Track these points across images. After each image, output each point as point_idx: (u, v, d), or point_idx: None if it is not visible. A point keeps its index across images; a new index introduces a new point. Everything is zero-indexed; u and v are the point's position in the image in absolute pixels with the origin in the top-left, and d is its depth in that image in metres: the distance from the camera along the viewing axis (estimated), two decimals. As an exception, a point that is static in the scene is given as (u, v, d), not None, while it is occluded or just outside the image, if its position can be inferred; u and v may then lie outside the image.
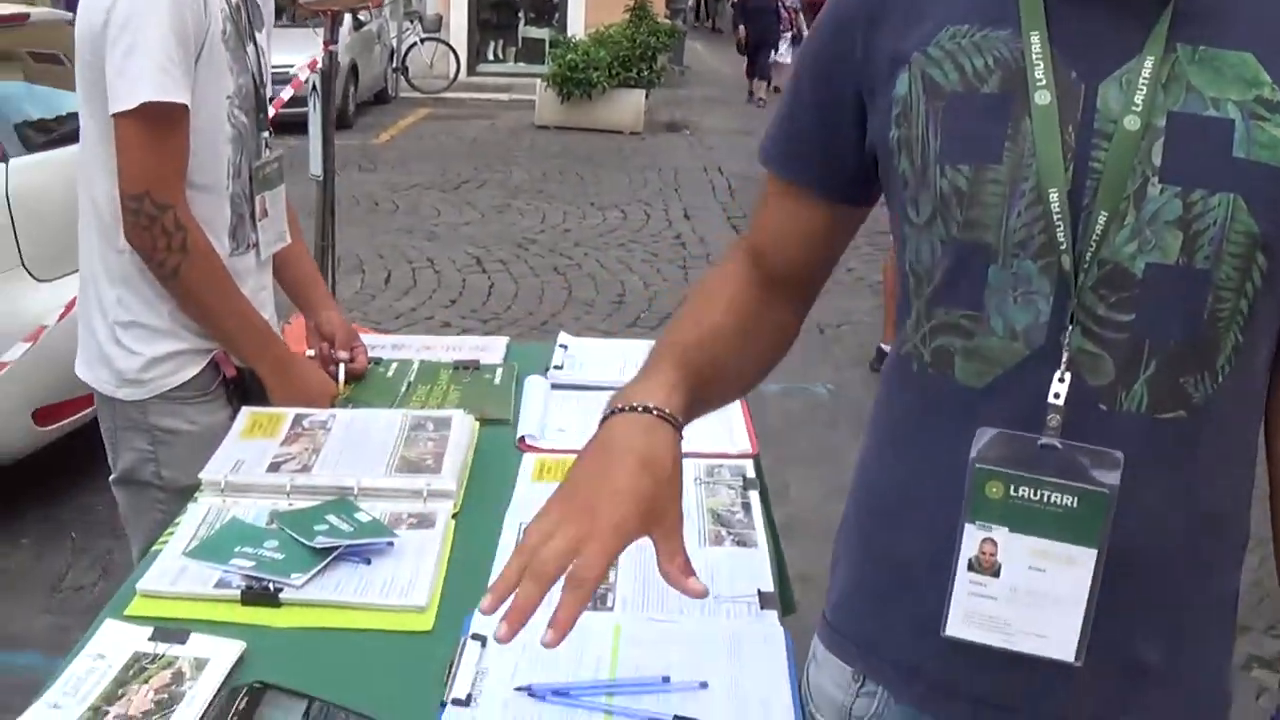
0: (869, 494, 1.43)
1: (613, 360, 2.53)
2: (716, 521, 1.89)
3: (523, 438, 2.16)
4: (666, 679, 1.48)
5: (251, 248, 2.30)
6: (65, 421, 4.21)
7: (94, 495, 4.45)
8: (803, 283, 1.47)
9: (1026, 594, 1.22)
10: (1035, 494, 1.19)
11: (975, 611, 1.25)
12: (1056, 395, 1.18)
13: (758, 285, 1.44)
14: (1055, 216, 1.16)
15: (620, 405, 1.26)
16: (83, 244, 2.25)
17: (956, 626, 1.26)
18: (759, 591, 1.70)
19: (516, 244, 8.08)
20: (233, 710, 1.34)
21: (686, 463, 2.01)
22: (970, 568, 1.23)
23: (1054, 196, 1.16)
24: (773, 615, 1.66)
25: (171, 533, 1.81)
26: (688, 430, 2.05)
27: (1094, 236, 1.15)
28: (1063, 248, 1.16)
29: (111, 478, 2.33)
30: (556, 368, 2.46)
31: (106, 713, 1.41)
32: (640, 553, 1.78)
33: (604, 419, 1.27)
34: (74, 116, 2.21)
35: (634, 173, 10.48)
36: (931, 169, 1.23)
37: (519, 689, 1.46)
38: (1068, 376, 1.18)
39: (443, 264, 7.60)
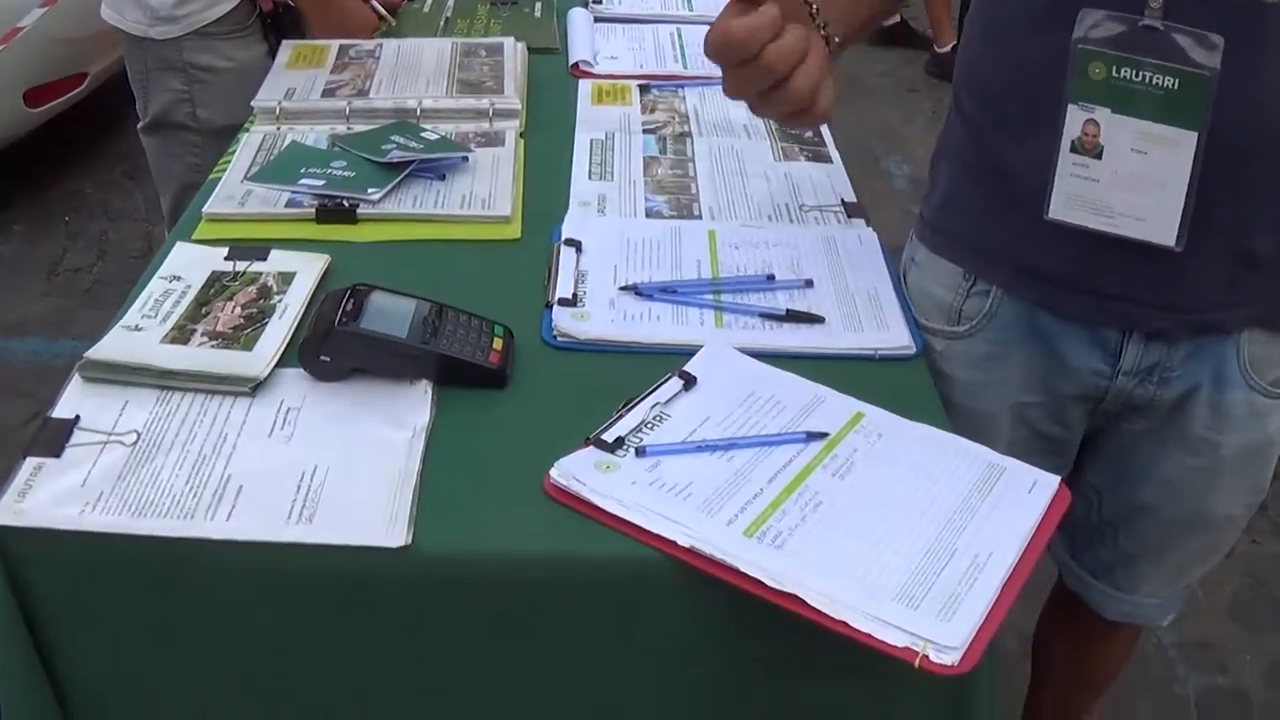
0: (976, 94, 1.40)
1: (652, -5, 2.43)
2: (786, 138, 1.84)
3: (576, 64, 2.08)
4: (771, 277, 1.45)
5: None
6: (55, 103, 4.12)
7: (83, 179, 4.36)
8: None
9: (1128, 176, 1.22)
10: (1136, 75, 1.18)
11: (1077, 194, 1.25)
12: None
13: None
14: None
15: None
16: None
17: (1059, 209, 1.26)
18: (843, 201, 1.67)
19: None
20: (340, 310, 1.27)
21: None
22: (1073, 149, 1.23)
23: None
24: (861, 222, 1.62)
25: (228, 161, 1.73)
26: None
27: None
28: None
29: (141, 125, 2.25)
30: (596, 2, 2.36)
31: (193, 330, 1.34)
32: (719, 164, 1.75)
33: None
34: None
35: None
36: None
37: (624, 288, 1.42)
38: None
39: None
